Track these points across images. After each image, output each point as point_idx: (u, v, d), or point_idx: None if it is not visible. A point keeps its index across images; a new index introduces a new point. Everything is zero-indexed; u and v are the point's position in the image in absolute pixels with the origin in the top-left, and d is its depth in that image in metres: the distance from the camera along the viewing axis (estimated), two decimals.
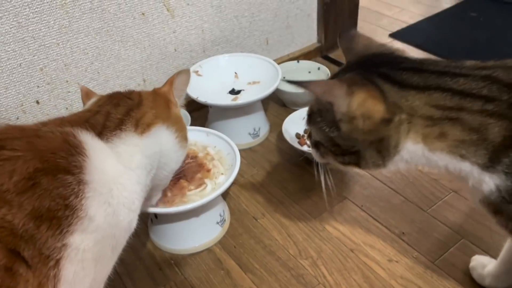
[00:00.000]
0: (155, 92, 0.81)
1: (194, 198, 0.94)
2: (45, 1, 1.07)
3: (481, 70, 0.64)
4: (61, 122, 0.66)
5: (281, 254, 1.02)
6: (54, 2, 1.09)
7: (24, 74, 1.12)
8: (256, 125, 1.32)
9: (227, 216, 1.10)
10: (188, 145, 0.86)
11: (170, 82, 0.83)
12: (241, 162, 1.03)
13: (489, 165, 0.61)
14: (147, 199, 0.80)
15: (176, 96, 0.84)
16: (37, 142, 0.58)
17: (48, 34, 1.11)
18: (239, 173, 1.01)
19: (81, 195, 0.57)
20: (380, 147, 0.67)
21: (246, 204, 1.16)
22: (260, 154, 1.32)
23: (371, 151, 0.67)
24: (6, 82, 1.10)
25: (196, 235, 1.02)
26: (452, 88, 0.62)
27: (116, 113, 0.71)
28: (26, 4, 1.05)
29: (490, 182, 0.62)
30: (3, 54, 1.07)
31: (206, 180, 0.98)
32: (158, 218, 1.02)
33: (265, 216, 1.12)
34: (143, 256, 1.04)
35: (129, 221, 0.68)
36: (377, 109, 0.63)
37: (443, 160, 0.65)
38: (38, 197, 0.53)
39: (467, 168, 0.64)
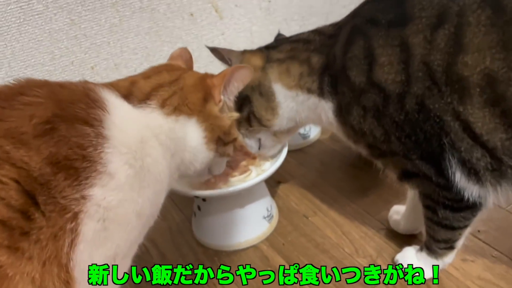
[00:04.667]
0: (202, 80, 0.71)
1: (238, 184, 0.87)
2: None
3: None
4: (86, 82, 0.64)
5: (335, 252, 0.91)
6: (106, 0, 1.11)
7: (76, 72, 1.14)
8: (306, 126, 1.25)
9: (275, 212, 1.01)
10: (228, 156, 0.74)
11: (222, 76, 0.71)
12: (290, 162, 0.98)
13: (320, 90, 0.82)
14: None
15: (228, 92, 0.73)
16: (58, 91, 0.56)
17: (99, 32, 1.14)
18: (288, 173, 0.96)
19: (100, 149, 0.53)
20: (261, 89, 0.88)
21: (295, 202, 1.07)
22: (311, 155, 1.24)
23: (256, 95, 0.88)
24: (58, 79, 1.12)
25: (241, 229, 0.95)
26: (289, 39, 0.92)
27: (145, 85, 0.66)
28: (79, 1, 1.08)
29: (327, 107, 0.81)
30: (56, 51, 1.10)
31: (251, 167, 0.91)
32: (201, 209, 0.95)
33: (317, 215, 1.02)
34: (186, 253, 0.97)
35: (155, 191, 0.61)
36: (255, 59, 0.90)
37: (301, 98, 0.85)
38: (55, 143, 0.51)
39: (316, 101, 0.83)
